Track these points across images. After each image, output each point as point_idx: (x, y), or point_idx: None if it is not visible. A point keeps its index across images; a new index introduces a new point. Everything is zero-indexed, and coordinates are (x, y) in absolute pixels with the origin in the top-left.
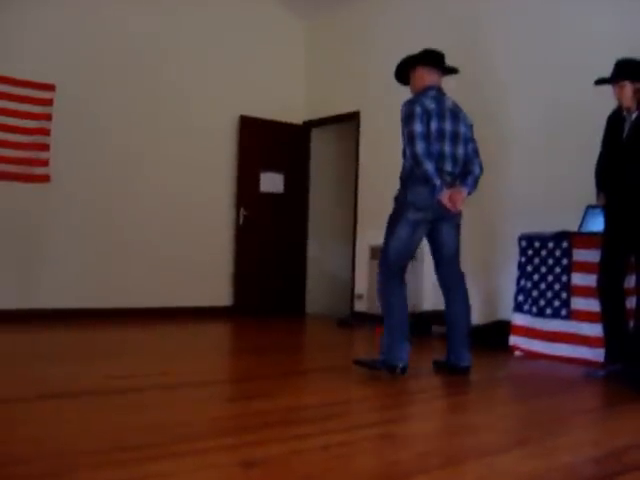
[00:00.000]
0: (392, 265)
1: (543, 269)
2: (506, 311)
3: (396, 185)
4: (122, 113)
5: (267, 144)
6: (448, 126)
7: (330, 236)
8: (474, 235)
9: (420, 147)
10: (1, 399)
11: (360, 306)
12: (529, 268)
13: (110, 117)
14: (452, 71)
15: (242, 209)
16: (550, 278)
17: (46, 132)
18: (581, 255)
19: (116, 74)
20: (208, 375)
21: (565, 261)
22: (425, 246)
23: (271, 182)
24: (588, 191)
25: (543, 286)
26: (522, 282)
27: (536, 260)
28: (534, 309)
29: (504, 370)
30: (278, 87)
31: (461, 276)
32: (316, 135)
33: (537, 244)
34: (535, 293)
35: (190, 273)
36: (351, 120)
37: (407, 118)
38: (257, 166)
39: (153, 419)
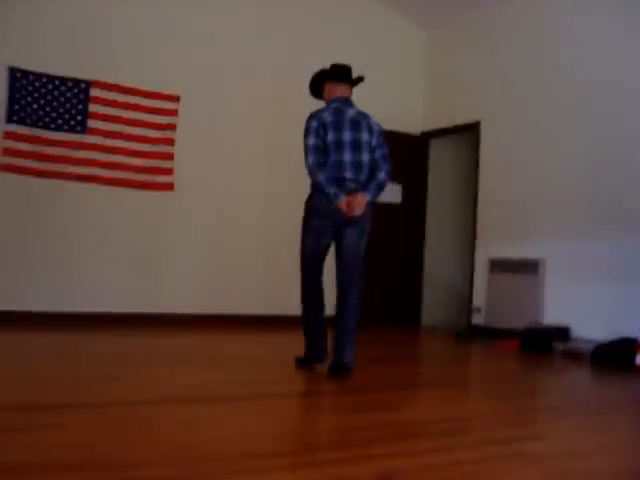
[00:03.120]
0: (305, 268)
1: None
2: (632, 329)
3: (518, 197)
4: (237, 126)
5: None
6: (347, 136)
7: (448, 248)
8: (599, 250)
9: (311, 159)
10: (128, 401)
11: (477, 319)
12: None
13: (227, 131)
14: (359, 80)
15: None
16: None
17: (171, 142)
18: None
19: (236, 86)
20: (325, 385)
21: None
22: (544, 260)
23: (389, 192)
24: None
25: None
26: None
27: None
28: None
29: (630, 390)
30: (396, 97)
31: (357, 283)
32: (435, 146)
33: None
34: None
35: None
36: (471, 130)
37: (305, 132)
38: None
39: (280, 427)
